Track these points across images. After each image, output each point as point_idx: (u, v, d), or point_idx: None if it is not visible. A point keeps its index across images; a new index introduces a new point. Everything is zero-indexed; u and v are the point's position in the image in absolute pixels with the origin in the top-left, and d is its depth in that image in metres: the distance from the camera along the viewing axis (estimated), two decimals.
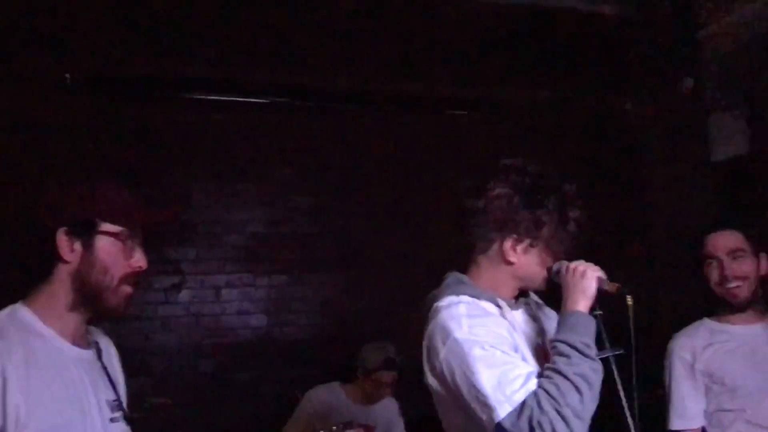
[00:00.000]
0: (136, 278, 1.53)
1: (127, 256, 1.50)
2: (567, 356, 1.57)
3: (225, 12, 4.31)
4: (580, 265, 1.71)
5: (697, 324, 2.49)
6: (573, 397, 1.51)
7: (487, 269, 1.80)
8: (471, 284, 1.78)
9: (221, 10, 4.30)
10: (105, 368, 1.56)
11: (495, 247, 1.76)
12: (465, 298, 1.72)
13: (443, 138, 4.69)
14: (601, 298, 1.69)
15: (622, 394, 1.65)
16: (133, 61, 4.10)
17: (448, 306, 1.70)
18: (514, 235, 1.73)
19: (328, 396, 3.60)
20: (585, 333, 1.61)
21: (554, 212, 1.72)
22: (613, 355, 1.66)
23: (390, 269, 4.41)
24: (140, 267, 1.53)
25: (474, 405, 1.57)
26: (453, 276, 1.83)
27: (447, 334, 1.64)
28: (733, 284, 2.34)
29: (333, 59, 4.50)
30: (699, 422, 2.36)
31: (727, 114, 4.68)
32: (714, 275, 2.37)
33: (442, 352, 1.64)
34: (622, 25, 5.03)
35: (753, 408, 2.27)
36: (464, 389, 1.59)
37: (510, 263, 1.75)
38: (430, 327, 1.71)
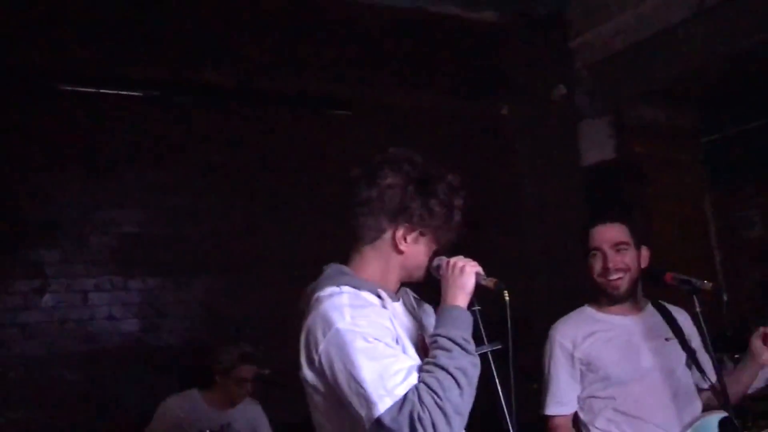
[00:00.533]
0: None
1: None
2: (448, 350, 1.56)
3: (103, 2, 4.09)
4: (459, 260, 1.72)
5: (578, 312, 2.57)
6: (453, 391, 1.51)
7: (372, 259, 1.78)
8: (352, 275, 1.75)
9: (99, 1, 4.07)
10: None
11: (386, 236, 1.75)
12: (347, 288, 1.68)
13: (324, 137, 4.66)
14: (479, 293, 1.70)
15: (499, 389, 1.66)
16: None
17: (330, 296, 1.66)
18: (406, 224, 1.73)
19: (184, 404, 3.49)
20: (465, 328, 1.62)
21: (443, 201, 1.74)
22: (491, 351, 1.67)
23: (270, 271, 4.30)
24: None
25: (353, 399, 1.53)
26: (333, 267, 1.80)
27: (329, 324, 1.59)
28: (614, 276, 2.43)
29: (214, 54, 4.36)
30: (573, 408, 2.46)
31: (596, 121, 4.93)
32: (597, 266, 2.46)
33: (323, 344, 1.59)
34: (500, 32, 5.18)
35: (623, 397, 2.37)
36: (344, 383, 1.55)
37: (400, 252, 1.75)
38: (310, 318, 1.66)
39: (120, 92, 4.18)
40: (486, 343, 1.68)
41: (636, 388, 2.38)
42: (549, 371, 2.49)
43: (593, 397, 2.43)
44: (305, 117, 4.67)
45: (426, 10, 4.97)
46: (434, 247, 1.79)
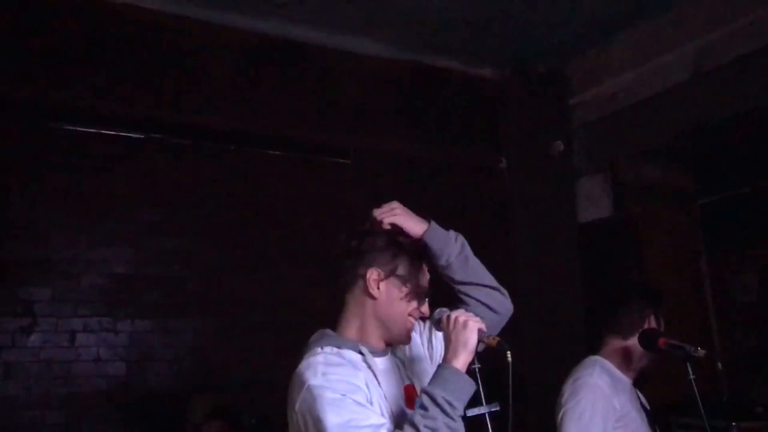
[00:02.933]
0: None
1: None
2: (425, 409, 1.54)
3: (97, 40, 4.13)
4: (461, 315, 1.69)
5: (599, 362, 2.54)
6: None
7: (352, 311, 1.81)
8: (334, 336, 1.78)
9: (92, 38, 4.11)
10: None
11: (360, 282, 1.79)
12: (328, 349, 1.71)
13: (321, 185, 4.67)
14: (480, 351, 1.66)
15: None
16: None
17: (308, 357, 1.70)
18: (379, 268, 1.76)
19: None
20: (453, 390, 1.58)
21: (407, 259, 1.79)
22: (488, 412, 1.62)
23: (261, 315, 4.26)
24: None
25: None
26: (317, 333, 1.83)
27: (302, 382, 1.62)
28: None
29: (212, 98, 4.40)
30: None
31: (593, 178, 4.96)
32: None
33: (297, 403, 1.61)
34: (500, 87, 5.24)
35: None
36: None
37: (374, 297, 1.77)
38: (291, 380, 1.69)
39: (118, 133, 4.18)
40: (484, 403, 1.63)
41: None
42: (583, 419, 2.34)
43: None
44: (302, 163, 4.68)
45: (427, 64, 5.04)
46: (413, 304, 1.79)
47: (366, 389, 1.65)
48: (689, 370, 2.18)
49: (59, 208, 3.97)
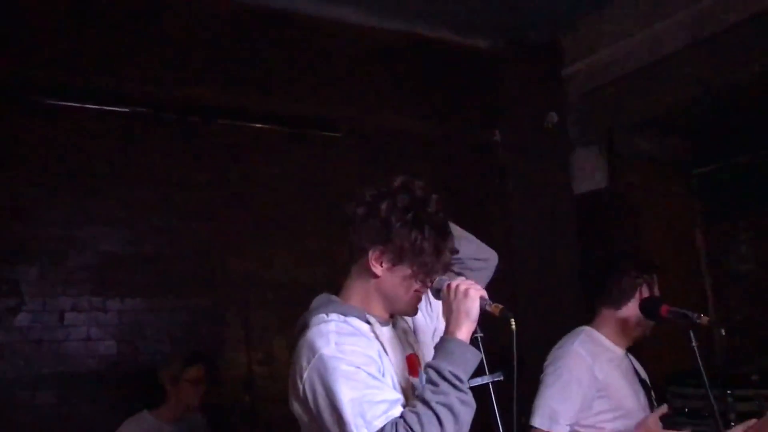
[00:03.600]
0: None
1: None
2: (435, 384, 1.51)
3: (81, 14, 4.01)
4: (463, 283, 1.65)
5: (586, 332, 2.53)
6: (432, 428, 1.45)
7: (356, 282, 1.76)
8: (340, 302, 1.74)
9: (76, 11, 3.99)
10: None
11: (364, 257, 1.72)
12: (334, 316, 1.67)
13: (313, 159, 4.59)
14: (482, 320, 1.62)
15: (499, 421, 1.57)
16: None
17: (318, 324, 1.64)
18: (381, 247, 1.69)
19: (137, 427, 3.39)
20: (460, 362, 1.54)
21: (429, 238, 1.68)
22: (492, 381, 1.58)
23: (251, 293, 4.20)
24: None
25: (333, 428, 1.51)
26: (321, 297, 1.79)
27: (313, 351, 1.57)
28: None
29: (201, 71, 4.29)
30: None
31: (588, 150, 4.91)
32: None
33: (306, 371, 1.56)
34: (493, 59, 5.16)
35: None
36: (324, 411, 1.52)
37: (375, 276, 1.71)
38: (298, 348, 1.64)
39: (104, 108, 4.08)
40: (487, 373, 1.58)
41: (635, 422, 2.32)
42: (559, 383, 2.35)
43: (597, 428, 2.34)
44: (292, 137, 4.59)
45: (419, 34, 4.95)
46: (414, 284, 1.72)
47: (379, 360, 1.62)
48: (692, 337, 2.15)
49: (44, 186, 3.88)
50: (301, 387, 1.57)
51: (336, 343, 1.56)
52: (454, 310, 1.61)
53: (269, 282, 4.22)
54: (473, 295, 1.61)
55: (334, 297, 1.77)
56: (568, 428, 2.31)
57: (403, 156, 4.76)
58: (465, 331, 1.59)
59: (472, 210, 4.67)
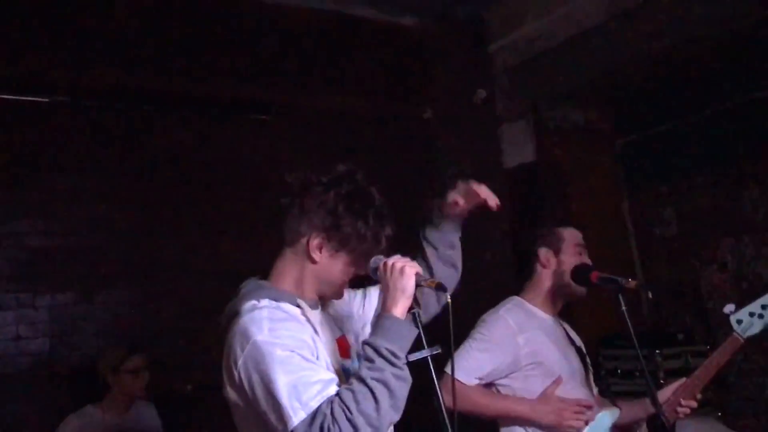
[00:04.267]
0: None
1: None
2: (370, 361, 1.53)
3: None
4: (398, 261, 1.67)
5: (514, 302, 2.58)
6: (368, 404, 1.47)
7: (290, 265, 1.77)
8: (270, 287, 1.75)
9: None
10: None
11: (303, 241, 1.74)
12: (266, 302, 1.67)
13: (241, 142, 4.53)
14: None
15: (440, 394, 1.60)
16: None
17: (251, 310, 1.64)
18: (323, 234, 1.71)
19: (80, 422, 3.36)
20: (395, 339, 1.56)
21: (372, 227, 1.72)
22: (430, 355, 1.61)
23: (187, 281, 4.13)
24: None
25: (270, 414, 1.52)
26: (251, 282, 1.79)
27: (247, 338, 1.58)
28: None
29: (124, 55, 4.15)
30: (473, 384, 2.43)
31: (516, 124, 4.99)
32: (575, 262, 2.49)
33: (241, 358, 1.57)
34: (421, 36, 5.18)
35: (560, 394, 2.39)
36: (261, 397, 1.54)
37: (314, 261, 1.73)
38: (230, 335, 1.64)
39: (22, 98, 3.92)
40: (426, 347, 1.61)
41: (568, 387, 2.40)
42: (481, 339, 2.43)
43: (528, 390, 2.42)
44: (221, 121, 4.51)
45: (347, 13, 4.91)
46: (352, 270, 1.77)
47: (312, 344, 1.63)
48: (621, 301, 2.23)
49: None
50: (236, 374, 1.58)
51: (269, 329, 1.57)
52: (391, 288, 1.63)
53: (202, 269, 4.15)
54: (408, 273, 1.62)
55: (264, 282, 1.77)
56: (476, 381, 2.39)
57: (334, 136, 4.72)
58: (401, 307, 1.61)
59: (404, 187, 4.68)
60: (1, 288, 3.77)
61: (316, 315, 1.76)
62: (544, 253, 2.56)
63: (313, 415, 1.47)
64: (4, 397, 3.68)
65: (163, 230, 4.18)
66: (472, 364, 2.37)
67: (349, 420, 1.44)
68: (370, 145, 4.82)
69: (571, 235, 2.58)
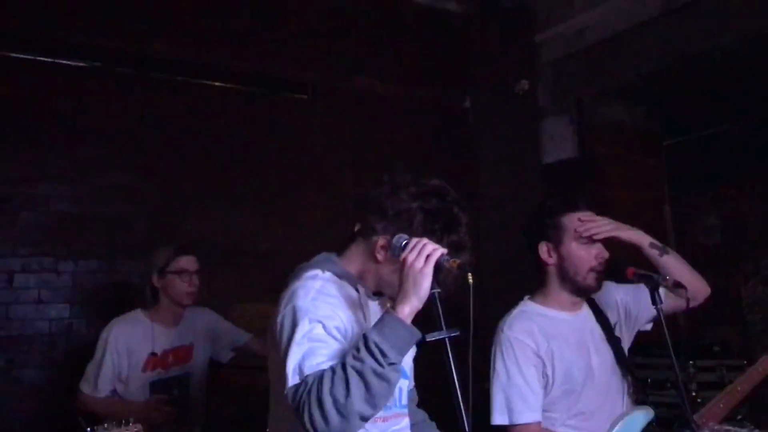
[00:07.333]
0: None
1: None
2: (357, 350, 1.53)
3: None
4: (420, 242, 1.63)
5: (525, 307, 2.37)
6: (339, 389, 1.48)
7: (359, 254, 1.85)
8: (339, 264, 1.84)
9: None
10: None
11: (374, 239, 1.79)
12: (328, 274, 1.78)
13: (277, 120, 4.46)
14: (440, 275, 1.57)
15: (455, 378, 1.49)
16: None
17: (310, 278, 1.75)
18: (388, 237, 1.75)
19: (131, 328, 3.08)
20: (390, 338, 1.53)
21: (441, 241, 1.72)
22: (448, 337, 1.51)
23: (213, 254, 4.05)
24: None
25: (282, 370, 1.60)
26: (324, 254, 1.89)
27: (291, 299, 1.69)
28: (601, 269, 2.27)
29: (162, 24, 4.12)
30: (540, 415, 2.23)
31: (558, 118, 4.84)
32: (591, 256, 2.26)
33: (280, 315, 1.69)
34: (465, 23, 5.05)
35: (581, 401, 2.23)
36: (282, 352, 1.62)
37: (377, 261, 1.79)
38: (286, 290, 1.76)
39: (58, 61, 3.89)
40: (444, 328, 1.51)
41: (587, 390, 2.24)
42: (515, 373, 2.19)
43: (553, 402, 2.24)
44: (258, 98, 4.45)
45: None
46: None
47: (349, 324, 1.70)
48: (657, 298, 2.09)
49: None
50: (275, 325, 1.71)
51: (312, 299, 1.67)
52: (404, 284, 1.58)
53: (228, 246, 4.09)
54: (427, 273, 1.57)
55: (334, 257, 1.87)
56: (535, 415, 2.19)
57: (370, 120, 4.66)
58: (410, 308, 1.56)
59: (439, 176, 4.57)
60: (24, 251, 3.75)
61: (373, 305, 1.86)
62: (543, 247, 2.33)
63: (299, 384, 1.54)
64: (23, 359, 3.67)
65: (190, 204, 4.13)
66: (531, 404, 2.17)
67: (318, 399, 1.48)
68: (406, 130, 4.72)
69: (571, 222, 2.29)
